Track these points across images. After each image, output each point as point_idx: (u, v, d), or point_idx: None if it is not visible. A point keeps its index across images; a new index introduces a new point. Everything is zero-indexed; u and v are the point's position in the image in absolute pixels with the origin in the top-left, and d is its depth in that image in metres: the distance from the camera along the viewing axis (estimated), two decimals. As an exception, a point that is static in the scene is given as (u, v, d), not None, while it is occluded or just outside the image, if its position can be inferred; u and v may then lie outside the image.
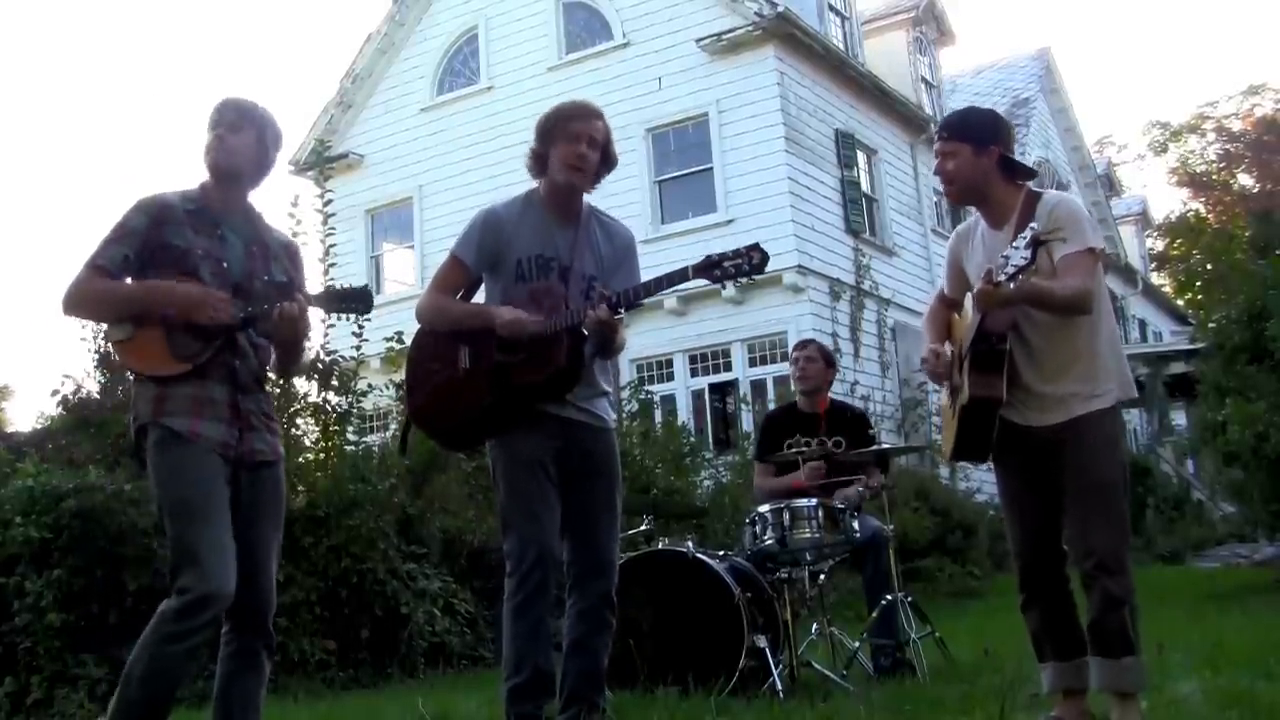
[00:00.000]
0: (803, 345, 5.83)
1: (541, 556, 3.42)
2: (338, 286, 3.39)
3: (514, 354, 3.45)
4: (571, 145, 3.52)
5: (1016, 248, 2.97)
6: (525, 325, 3.42)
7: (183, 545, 2.91)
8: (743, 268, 3.39)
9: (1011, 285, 2.99)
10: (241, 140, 3.18)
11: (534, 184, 3.71)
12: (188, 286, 3.03)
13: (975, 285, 3.31)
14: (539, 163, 3.62)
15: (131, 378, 3.13)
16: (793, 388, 5.90)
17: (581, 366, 3.52)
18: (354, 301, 3.34)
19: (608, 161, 3.61)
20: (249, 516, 3.09)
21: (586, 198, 3.69)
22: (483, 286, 3.73)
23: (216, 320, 3.03)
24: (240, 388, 3.10)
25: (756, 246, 3.41)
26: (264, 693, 3.13)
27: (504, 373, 3.47)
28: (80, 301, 3.09)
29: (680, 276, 3.42)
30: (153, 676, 2.85)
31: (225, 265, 3.13)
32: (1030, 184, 3.46)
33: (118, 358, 3.18)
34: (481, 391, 3.50)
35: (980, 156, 3.37)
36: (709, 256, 3.43)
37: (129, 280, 3.07)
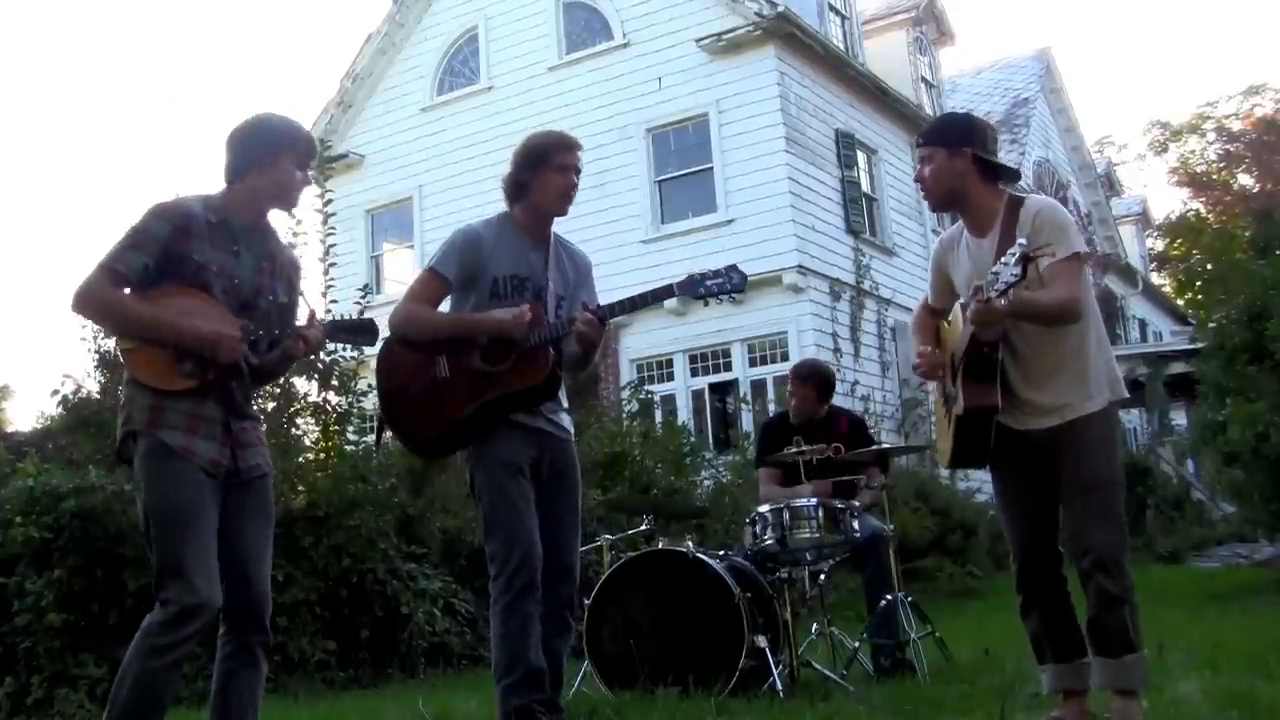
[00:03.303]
0: (800, 378, 5.61)
1: (527, 555, 3.52)
2: (345, 318, 3.47)
3: (497, 363, 3.55)
4: (562, 177, 3.73)
5: (1006, 264, 2.97)
6: (525, 321, 3.54)
7: (168, 557, 2.91)
8: (724, 286, 3.61)
9: (1003, 301, 3.00)
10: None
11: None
12: (203, 327, 2.98)
13: (963, 296, 3.33)
14: (519, 189, 3.77)
15: (126, 379, 3.10)
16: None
17: (560, 377, 3.69)
18: (359, 334, 3.44)
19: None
20: (240, 522, 3.09)
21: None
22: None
23: (227, 363, 3.02)
24: (234, 410, 3.10)
25: (735, 267, 3.66)
26: (261, 691, 3.14)
27: (485, 381, 3.56)
28: (91, 306, 3.03)
29: (666, 293, 3.65)
30: (140, 689, 2.87)
31: (237, 282, 3.11)
32: (1012, 188, 3.46)
33: (122, 360, 3.11)
34: (461, 401, 3.59)
35: (954, 159, 3.38)
36: (692, 275, 3.66)
37: (144, 292, 3.01)
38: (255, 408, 3.35)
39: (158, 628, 2.87)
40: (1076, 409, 3.28)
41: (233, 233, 3.13)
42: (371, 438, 8.27)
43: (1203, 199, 35.39)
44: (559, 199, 3.75)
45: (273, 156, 3.13)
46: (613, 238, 13.79)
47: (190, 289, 3.03)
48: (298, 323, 3.28)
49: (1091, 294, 3.43)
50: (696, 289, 3.61)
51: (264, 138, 3.15)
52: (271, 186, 3.17)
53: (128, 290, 3.02)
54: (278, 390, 7.33)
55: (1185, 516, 16.11)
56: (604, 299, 3.80)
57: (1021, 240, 3.02)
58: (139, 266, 2.99)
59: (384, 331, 3.74)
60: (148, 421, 2.97)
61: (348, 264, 13.31)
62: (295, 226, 7.59)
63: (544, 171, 3.71)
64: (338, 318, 3.41)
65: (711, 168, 14.52)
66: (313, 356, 7.35)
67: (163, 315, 2.99)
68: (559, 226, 3.92)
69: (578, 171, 3.78)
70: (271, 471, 3.24)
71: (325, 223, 8.13)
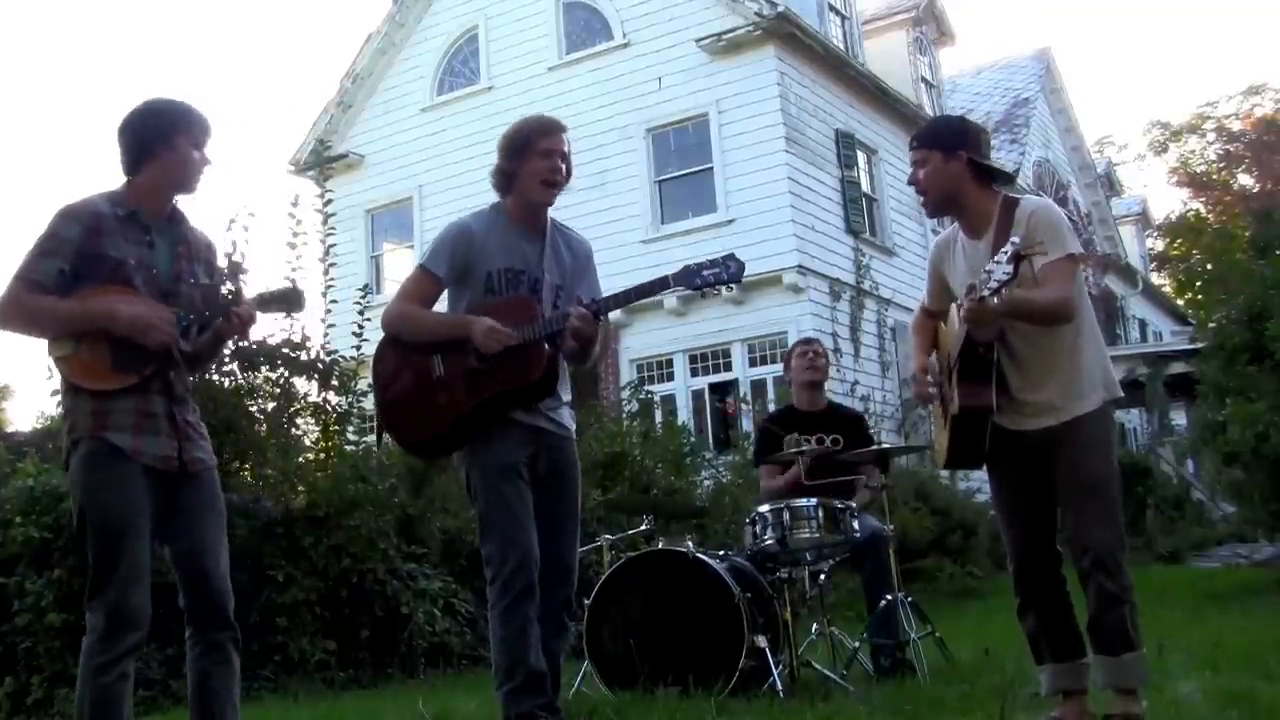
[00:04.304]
0: (808, 340, 5.90)
1: (524, 558, 3.48)
2: (270, 289, 3.40)
3: (491, 361, 3.48)
4: (546, 161, 3.61)
5: (999, 262, 2.97)
6: (503, 339, 3.45)
7: (103, 567, 2.90)
8: (720, 275, 3.50)
9: (995, 300, 3.00)
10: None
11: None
12: (134, 309, 2.95)
13: (959, 297, 3.32)
14: (506, 180, 3.68)
15: (64, 388, 3.04)
16: (795, 382, 5.80)
17: (557, 374, 3.59)
18: (286, 303, 3.39)
19: (569, 172, 3.70)
20: (190, 516, 3.07)
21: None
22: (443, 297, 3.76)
23: (164, 344, 2.98)
24: (175, 399, 3.07)
25: (732, 256, 3.54)
26: (238, 688, 3.12)
27: (480, 380, 3.50)
28: (15, 317, 2.97)
29: (661, 284, 3.55)
30: (97, 708, 2.88)
31: (155, 272, 3.07)
32: (1007, 190, 3.47)
33: (56, 371, 3.08)
34: (457, 400, 3.53)
35: (949, 162, 3.38)
36: (688, 266, 3.55)
37: (66, 294, 2.95)
38: (254, 407, 3.34)
39: (96, 647, 2.88)
40: (1072, 409, 3.28)
41: (143, 224, 3.08)
42: (371, 438, 8.29)
43: (1203, 199, 35.39)
44: (544, 186, 3.62)
45: (167, 143, 3.07)
46: (613, 238, 13.77)
47: (111, 285, 2.98)
48: (224, 301, 3.23)
49: (1086, 295, 3.43)
50: (693, 279, 3.51)
51: (156, 124, 3.09)
52: (170, 173, 3.11)
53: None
54: (278, 390, 7.32)
55: (1185, 516, 16.10)
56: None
57: (1014, 239, 3.03)
58: (54, 272, 2.94)
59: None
60: (93, 427, 2.94)
61: (348, 264, 13.29)
62: (295, 226, 7.60)
63: (529, 158, 3.60)
64: (262, 291, 3.34)
65: (711, 168, 14.53)
66: (303, 349, 7.31)
67: (91, 305, 2.94)
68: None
69: (564, 156, 3.65)
70: (215, 465, 3.20)
71: (325, 223, 8.11)
